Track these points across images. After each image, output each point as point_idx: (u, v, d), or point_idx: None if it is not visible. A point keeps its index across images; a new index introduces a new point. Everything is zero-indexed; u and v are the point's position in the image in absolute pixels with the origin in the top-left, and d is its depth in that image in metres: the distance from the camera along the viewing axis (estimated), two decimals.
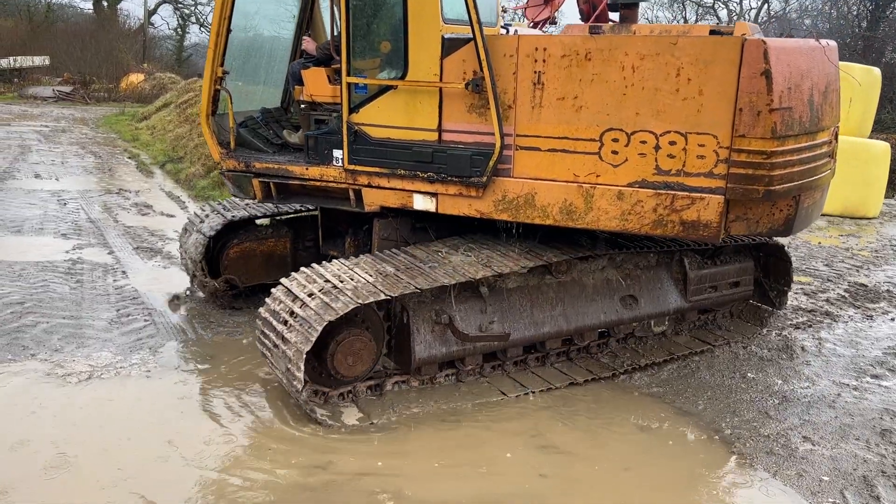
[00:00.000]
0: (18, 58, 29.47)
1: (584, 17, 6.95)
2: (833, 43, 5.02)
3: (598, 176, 4.77)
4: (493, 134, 4.88)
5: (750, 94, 4.29)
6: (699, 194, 4.55)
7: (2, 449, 4.37)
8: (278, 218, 6.96)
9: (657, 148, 4.58)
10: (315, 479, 4.19)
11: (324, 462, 4.35)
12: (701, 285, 6.16)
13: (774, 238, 6.37)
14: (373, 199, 5.43)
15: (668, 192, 4.61)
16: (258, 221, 6.81)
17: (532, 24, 8.86)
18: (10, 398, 4.95)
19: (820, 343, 6.44)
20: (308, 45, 5.86)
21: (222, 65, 5.66)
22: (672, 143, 4.54)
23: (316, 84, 5.65)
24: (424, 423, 4.85)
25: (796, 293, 7.73)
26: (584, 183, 4.81)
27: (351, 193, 5.49)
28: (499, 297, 5.38)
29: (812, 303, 7.51)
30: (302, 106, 5.82)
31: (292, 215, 6.95)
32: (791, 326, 6.80)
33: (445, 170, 5.06)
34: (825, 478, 4.38)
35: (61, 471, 4.18)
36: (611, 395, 5.37)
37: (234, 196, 6.04)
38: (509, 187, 5.00)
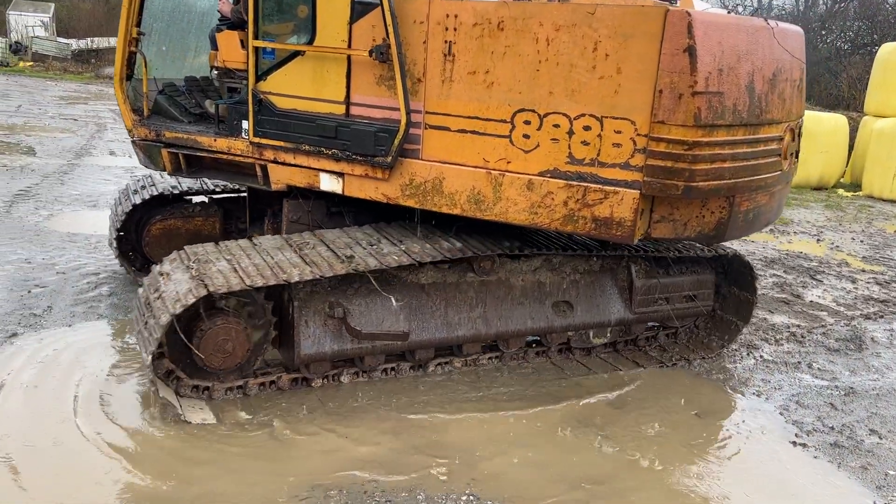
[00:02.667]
0: (95, 39, 29.98)
1: None
2: (793, 28, 4.41)
3: (508, 162, 4.25)
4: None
5: (671, 74, 3.73)
6: (613, 188, 3.99)
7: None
8: (216, 196, 6.56)
9: (571, 133, 4.04)
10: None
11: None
12: (649, 296, 5.56)
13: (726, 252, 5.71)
14: (279, 177, 4.99)
15: (581, 183, 4.07)
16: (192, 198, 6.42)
17: None
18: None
19: (891, 334, 6.32)
20: (223, 6, 5.44)
21: (138, 25, 5.27)
22: (587, 127, 3.99)
23: (228, 49, 5.23)
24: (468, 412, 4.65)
25: (868, 282, 7.65)
26: (494, 169, 4.29)
27: (258, 169, 5.06)
28: (410, 293, 4.87)
29: (885, 293, 7.43)
30: (215, 73, 5.40)
31: (226, 195, 6.54)
32: (861, 317, 6.64)
33: (350, 147, 4.58)
34: (891, 472, 4.24)
35: None
36: (669, 381, 5.30)
37: (145, 167, 5.64)
38: (417, 170, 4.51)
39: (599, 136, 3.97)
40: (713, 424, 4.69)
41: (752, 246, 9.47)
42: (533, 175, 4.18)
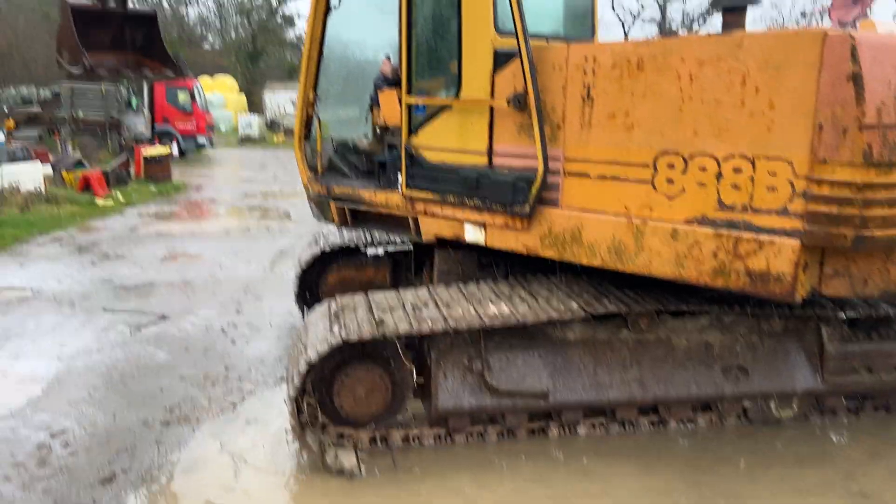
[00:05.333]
0: None
1: None
2: None
3: (651, 209, 3.91)
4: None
5: (833, 107, 3.20)
6: (769, 237, 3.49)
7: None
8: (388, 249, 6.82)
9: (719, 176, 3.62)
10: None
11: None
12: (845, 363, 4.76)
13: None
14: (428, 228, 5.05)
15: (731, 232, 3.60)
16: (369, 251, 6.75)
17: (839, 25, 7.80)
18: None
19: None
20: (385, 66, 5.69)
21: (315, 88, 5.70)
22: (737, 170, 3.55)
23: (388, 107, 5.45)
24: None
25: None
26: (636, 217, 3.96)
27: (410, 221, 5.17)
28: (554, 349, 4.63)
29: None
30: (377, 130, 5.65)
31: (397, 247, 6.76)
32: None
33: (490, 197, 4.52)
34: None
35: None
36: None
37: (317, 220, 6.01)
38: (556, 219, 4.31)
39: (752, 178, 3.51)
40: None
41: None
42: (678, 223, 3.80)
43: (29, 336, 6.79)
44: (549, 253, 4.38)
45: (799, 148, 3.33)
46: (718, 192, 3.63)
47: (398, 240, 6.70)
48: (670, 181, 3.80)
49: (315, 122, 5.76)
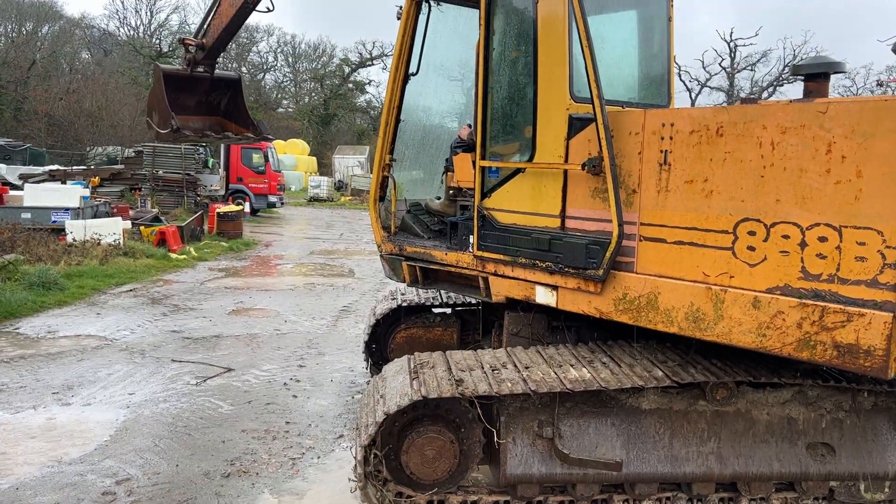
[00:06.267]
0: None
1: None
2: None
3: (731, 277, 3.81)
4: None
5: None
6: (858, 309, 3.34)
7: None
8: (459, 308, 6.83)
9: (803, 245, 3.52)
10: None
11: None
12: None
13: None
14: (498, 289, 5.03)
15: (817, 303, 3.47)
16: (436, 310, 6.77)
17: None
18: None
19: None
20: (463, 131, 5.80)
21: (391, 152, 5.84)
22: (822, 238, 3.45)
23: (462, 169, 5.53)
24: None
25: None
26: (715, 284, 3.87)
27: (480, 281, 5.17)
28: (628, 418, 4.49)
29: None
30: (451, 192, 5.72)
31: (465, 307, 6.77)
32: None
33: (562, 259, 4.49)
34: None
35: None
36: None
37: (389, 279, 6.07)
38: (631, 284, 4.24)
39: (838, 248, 3.40)
40: None
41: None
42: (760, 292, 3.69)
43: (101, 383, 6.99)
44: (622, 318, 4.30)
45: (890, 218, 3.22)
46: (803, 261, 3.53)
47: (471, 300, 6.72)
48: (751, 248, 3.71)
49: (390, 184, 5.88)
